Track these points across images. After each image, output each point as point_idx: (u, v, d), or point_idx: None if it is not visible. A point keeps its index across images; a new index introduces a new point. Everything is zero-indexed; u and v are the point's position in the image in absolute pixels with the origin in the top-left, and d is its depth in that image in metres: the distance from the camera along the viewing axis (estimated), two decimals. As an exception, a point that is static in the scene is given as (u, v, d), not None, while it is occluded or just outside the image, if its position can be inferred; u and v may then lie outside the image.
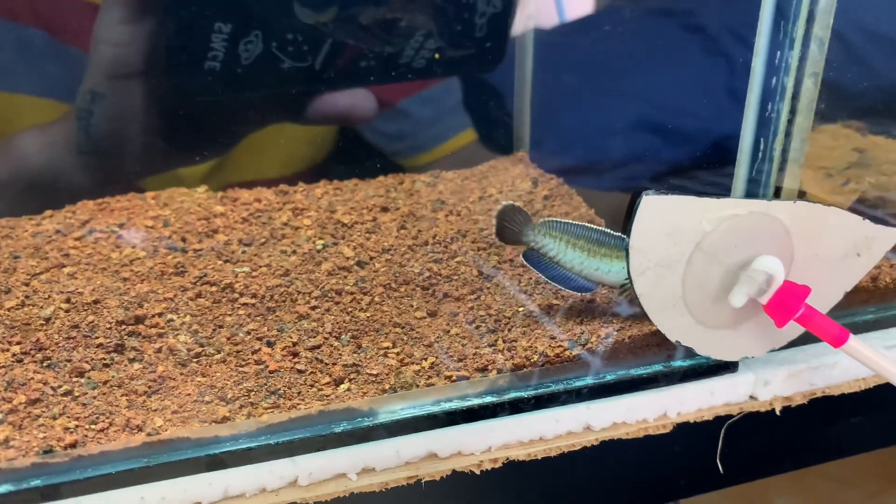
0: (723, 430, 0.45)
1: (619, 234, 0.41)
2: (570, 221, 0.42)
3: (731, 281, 0.40)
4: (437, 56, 0.50)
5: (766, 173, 0.40)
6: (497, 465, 0.40)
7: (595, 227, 0.41)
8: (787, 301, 0.39)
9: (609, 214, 0.53)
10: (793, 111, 0.39)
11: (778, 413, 0.45)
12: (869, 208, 0.55)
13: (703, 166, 0.75)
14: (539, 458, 0.41)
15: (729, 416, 0.44)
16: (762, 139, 0.39)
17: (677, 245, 0.39)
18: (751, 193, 0.41)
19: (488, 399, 0.40)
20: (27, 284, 0.46)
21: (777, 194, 0.40)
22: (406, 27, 0.50)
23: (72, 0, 0.55)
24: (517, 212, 0.42)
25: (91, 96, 0.50)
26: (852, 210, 0.42)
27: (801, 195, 0.41)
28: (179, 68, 0.49)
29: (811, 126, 0.40)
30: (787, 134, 0.39)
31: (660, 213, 0.38)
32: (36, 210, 0.53)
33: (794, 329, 0.42)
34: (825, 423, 0.48)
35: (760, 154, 0.40)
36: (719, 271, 0.40)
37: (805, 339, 0.45)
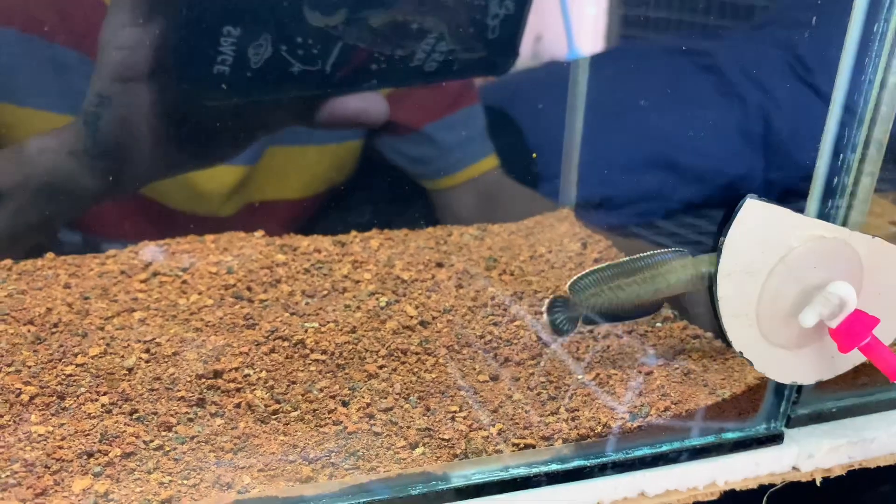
0: (765, 498, 0.47)
1: (650, 252, 0.42)
2: (597, 268, 0.42)
3: (803, 301, 0.41)
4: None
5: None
6: (557, 528, 0.42)
7: (623, 260, 0.42)
8: (856, 328, 0.40)
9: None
10: (849, 207, 0.41)
11: (818, 484, 0.47)
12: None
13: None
14: (596, 522, 0.43)
15: (772, 485, 0.47)
16: (821, 232, 0.42)
17: (765, 254, 0.40)
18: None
19: (553, 467, 0.42)
20: (102, 329, 0.48)
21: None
22: (417, 30, 0.50)
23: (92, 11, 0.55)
24: (556, 304, 0.44)
25: (98, 100, 0.50)
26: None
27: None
28: (188, 72, 0.48)
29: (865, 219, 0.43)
30: (843, 225, 0.42)
31: (759, 218, 0.40)
32: (50, 216, 0.54)
33: (847, 361, 0.44)
34: (860, 491, 0.50)
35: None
36: (795, 290, 0.41)
37: (846, 413, 0.48)
